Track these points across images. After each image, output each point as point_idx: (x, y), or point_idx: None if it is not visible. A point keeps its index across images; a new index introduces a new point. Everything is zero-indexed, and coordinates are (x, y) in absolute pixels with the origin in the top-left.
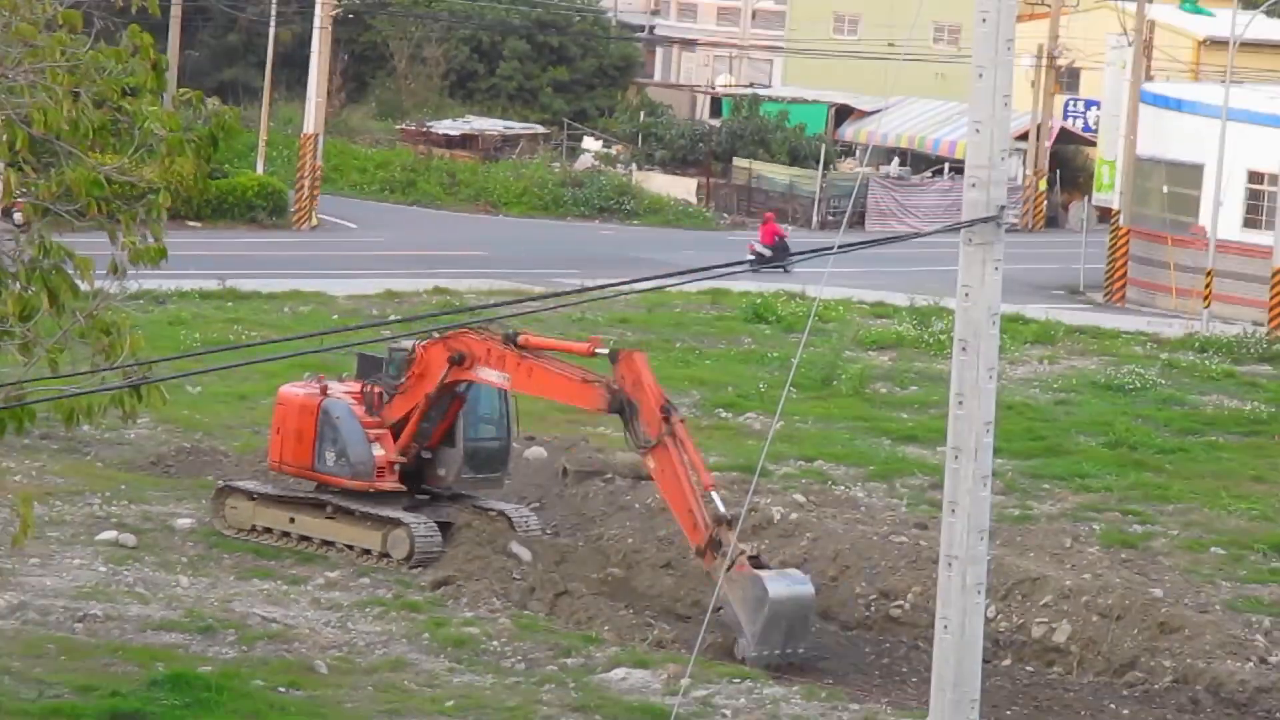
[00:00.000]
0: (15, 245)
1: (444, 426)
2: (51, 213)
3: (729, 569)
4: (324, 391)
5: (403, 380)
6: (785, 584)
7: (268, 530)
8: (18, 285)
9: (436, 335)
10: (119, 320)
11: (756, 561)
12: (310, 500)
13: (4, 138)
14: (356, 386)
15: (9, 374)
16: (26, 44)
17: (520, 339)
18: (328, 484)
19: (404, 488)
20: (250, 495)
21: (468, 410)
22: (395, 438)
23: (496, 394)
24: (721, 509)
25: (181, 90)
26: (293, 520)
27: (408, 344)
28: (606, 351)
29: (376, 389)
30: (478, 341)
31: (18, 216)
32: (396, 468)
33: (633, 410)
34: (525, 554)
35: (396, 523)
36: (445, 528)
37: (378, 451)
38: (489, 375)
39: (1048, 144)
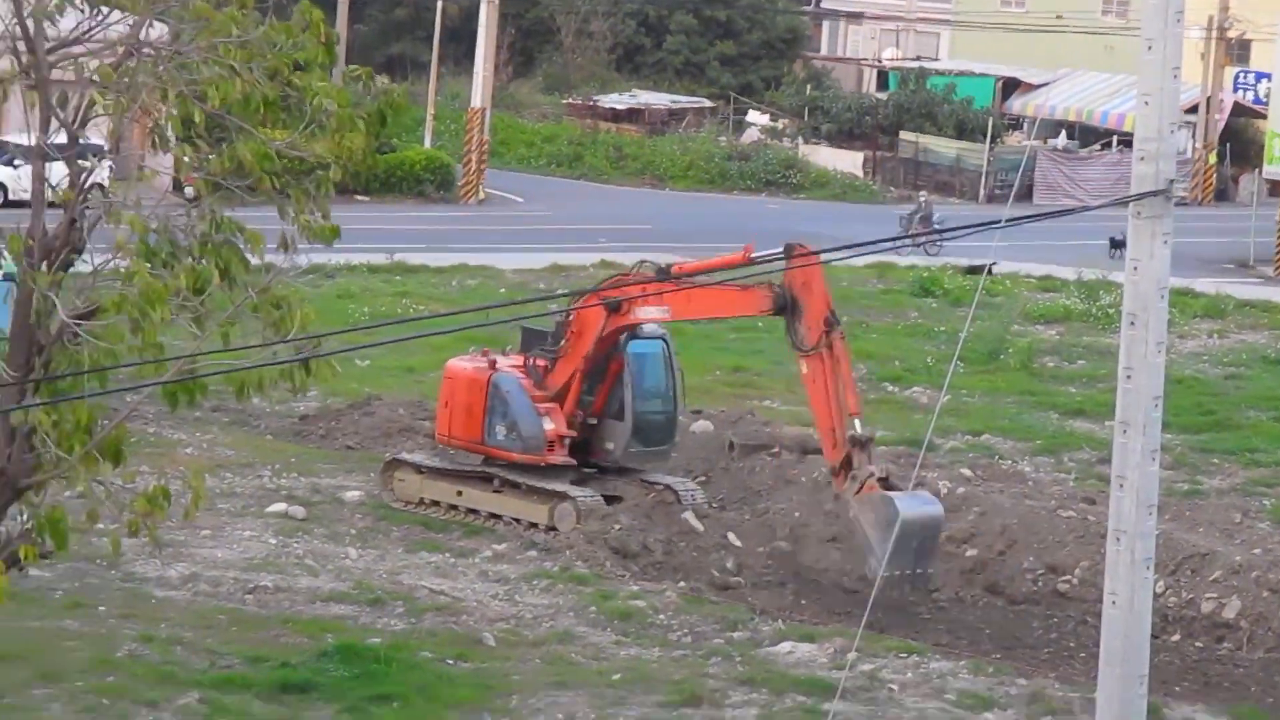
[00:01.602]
0: (188, 220)
1: (605, 392)
2: (223, 188)
3: (858, 491)
4: (493, 366)
5: (562, 343)
6: (916, 504)
7: (435, 503)
8: (190, 259)
9: (588, 291)
10: (289, 294)
11: (886, 483)
12: (477, 474)
13: (177, 114)
14: (520, 360)
15: (182, 347)
16: (201, 20)
17: (673, 269)
18: (498, 458)
19: (574, 461)
20: (419, 469)
21: (635, 383)
22: (561, 407)
23: (663, 366)
24: (859, 430)
25: (351, 67)
26: (460, 493)
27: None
28: (764, 253)
29: (540, 361)
30: (632, 285)
31: (189, 191)
32: (566, 441)
33: (796, 311)
34: (698, 525)
35: (564, 496)
36: (611, 501)
37: (548, 425)
38: (649, 313)
39: (1220, 119)
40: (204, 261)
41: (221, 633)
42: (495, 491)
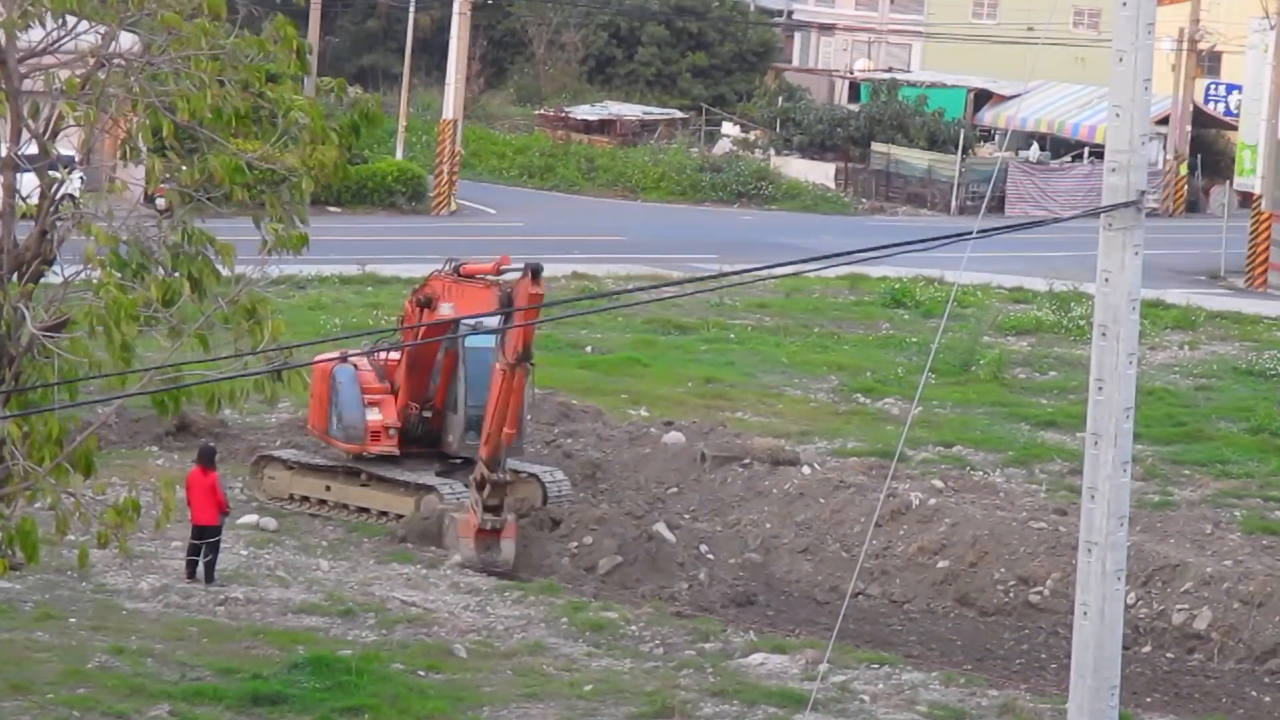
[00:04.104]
0: (159, 231)
1: (443, 386)
2: (194, 199)
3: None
4: (342, 359)
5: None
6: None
7: (305, 499)
8: (161, 271)
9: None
10: (260, 305)
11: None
12: (345, 468)
13: (148, 124)
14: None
15: (152, 359)
16: (171, 32)
17: (463, 269)
18: (332, 446)
19: (398, 452)
20: (288, 464)
21: (471, 377)
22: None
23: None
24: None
25: (324, 79)
26: (329, 488)
27: None
28: (515, 268)
29: (385, 356)
30: (438, 280)
31: (161, 203)
32: (393, 432)
33: (506, 319)
34: (670, 536)
35: (430, 489)
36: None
37: (373, 416)
38: (444, 310)
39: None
40: (175, 274)
41: (192, 644)
42: (363, 485)
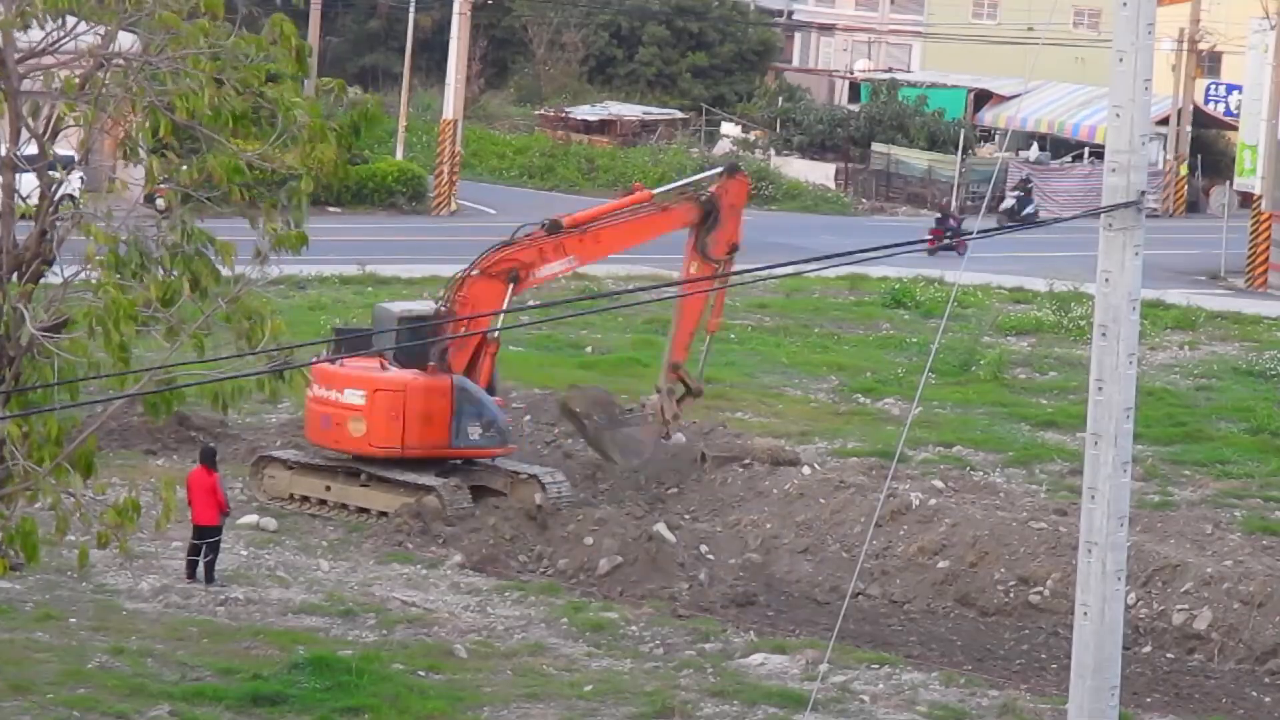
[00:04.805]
0: (158, 231)
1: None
2: (194, 199)
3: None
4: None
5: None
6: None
7: (305, 499)
8: (160, 271)
9: (474, 273)
10: (260, 305)
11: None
12: (345, 468)
13: (147, 124)
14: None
15: (153, 359)
16: (169, 31)
17: (565, 220)
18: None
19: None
20: (288, 464)
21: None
22: None
23: None
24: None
25: (324, 80)
26: (329, 488)
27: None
28: (722, 170)
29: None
30: (521, 249)
31: (160, 203)
32: None
33: (715, 223)
34: (670, 536)
35: (430, 489)
36: (476, 491)
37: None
38: (553, 269)
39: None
40: (174, 274)
41: (193, 645)
42: (363, 485)
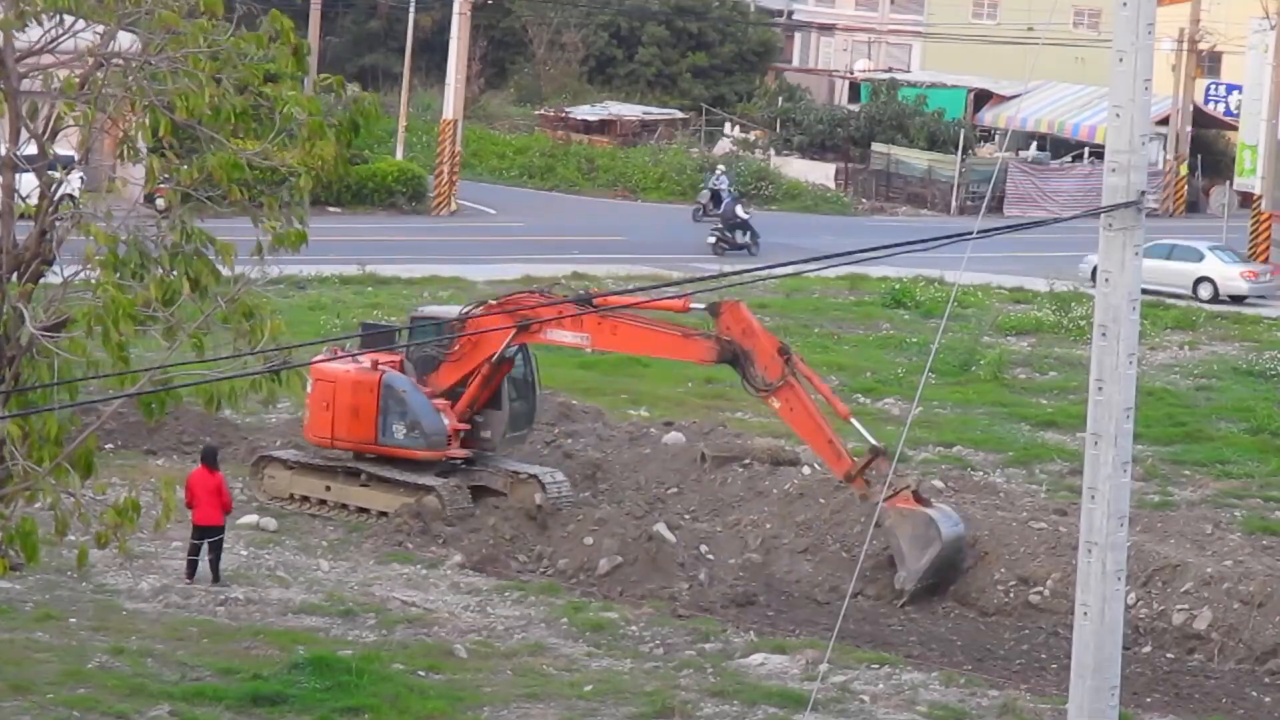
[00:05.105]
0: (158, 230)
1: (490, 391)
2: (193, 198)
3: (891, 498)
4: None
5: (455, 348)
6: (950, 524)
7: (305, 499)
8: (160, 270)
9: (492, 302)
10: (260, 305)
11: (917, 496)
12: (345, 468)
13: (147, 124)
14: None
15: (152, 358)
16: (169, 30)
17: (596, 299)
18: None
19: (466, 454)
20: (288, 464)
21: (517, 375)
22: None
23: (522, 357)
24: (871, 439)
25: (322, 76)
26: (329, 488)
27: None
28: (704, 306)
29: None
30: (547, 305)
31: (160, 202)
32: (459, 435)
33: (747, 357)
34: (670, 536)
35: (429, 489)
36: (477, 491)
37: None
38: (562, 337)
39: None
40: (173, 273)
41: (193, 644)
42: (363, 485)
